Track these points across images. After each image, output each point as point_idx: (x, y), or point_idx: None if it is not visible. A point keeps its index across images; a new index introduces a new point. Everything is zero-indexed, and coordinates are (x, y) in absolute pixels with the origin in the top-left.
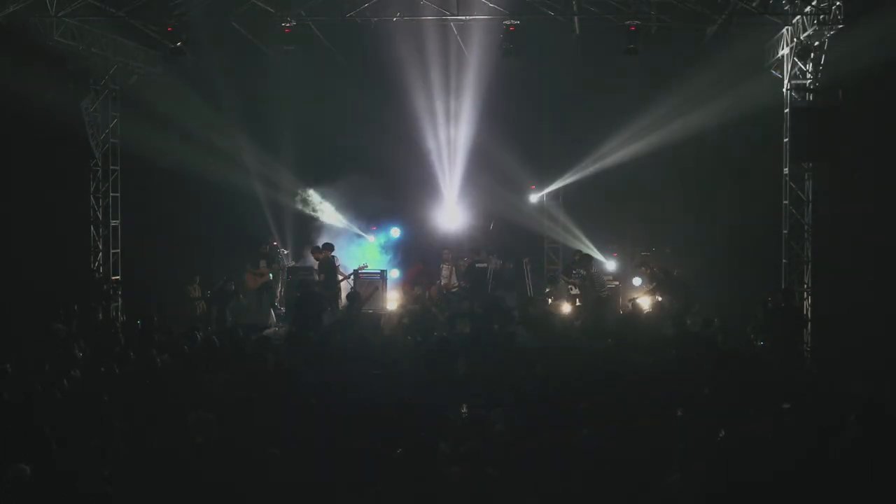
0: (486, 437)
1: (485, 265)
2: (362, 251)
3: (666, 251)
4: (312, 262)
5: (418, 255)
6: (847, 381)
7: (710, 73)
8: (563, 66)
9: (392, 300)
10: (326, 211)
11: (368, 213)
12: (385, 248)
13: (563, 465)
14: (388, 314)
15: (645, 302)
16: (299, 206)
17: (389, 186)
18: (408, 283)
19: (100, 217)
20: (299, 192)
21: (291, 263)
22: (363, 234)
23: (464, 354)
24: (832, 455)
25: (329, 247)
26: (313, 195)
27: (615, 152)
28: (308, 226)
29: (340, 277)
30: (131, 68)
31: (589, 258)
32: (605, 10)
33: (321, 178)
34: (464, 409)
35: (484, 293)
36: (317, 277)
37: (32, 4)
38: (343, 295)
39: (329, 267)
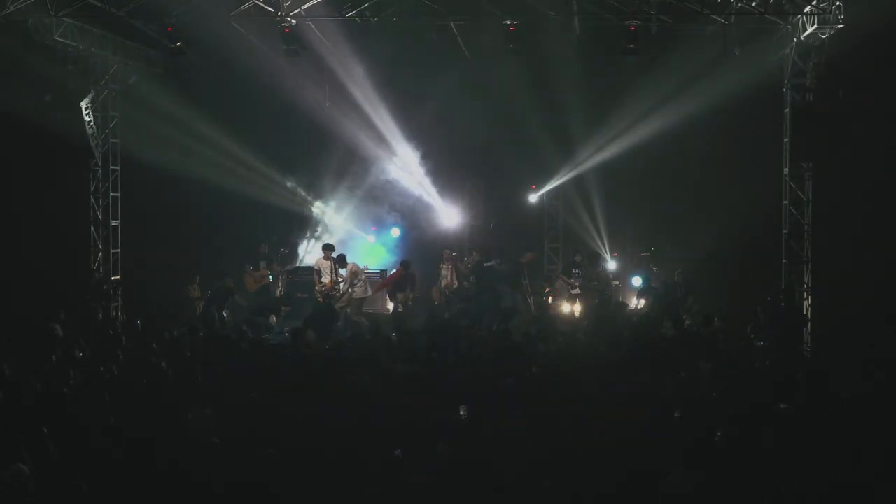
0: (485, 438)
1: (492, 264)
2: (365, 251)
3: (666, 250)
4: (314, 262)
5: (404, 258)
6: (846, 380)
7: (709, 72)
8: (563, 66)
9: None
10: (330, 213)
11: (370, 214)
12: (390, 248)
13: (562, 465)
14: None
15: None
16: (312, 207)
17: (388, 186)
18: (390, 289)
19: (100, 217)
20: (309, 201)
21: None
22: (363, 234)
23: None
24: (831, 454)
25: (329, 247)
26: (319, 205)
27: (615, 152)
28: (310, 225)
29: (340, 279)
30: (131, 68)
31: (597, 256)
32: (605, 10)
33: (322, 177)
34: (462, 412)
35: (490, 293)
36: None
37: (32, 4)
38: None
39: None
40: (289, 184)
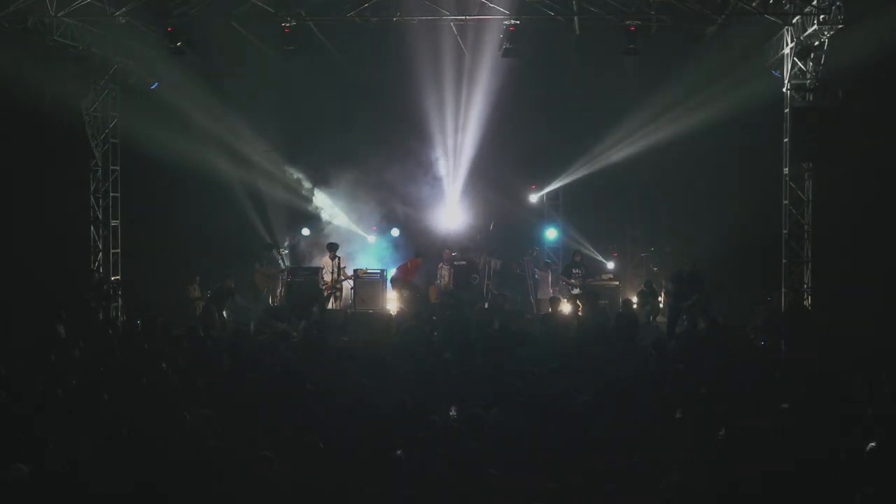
0: (485, 438)
1: (463, 263)
2: (365, 251)
3: (665, 251)
4: (319, 261)
5: (417, 250)
6: (846, 380)
7: (709, 72)
8: (563, 66)
9: (392, 300)
10: (331, 211)
11: (369, 213)
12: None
13: (562, 465)
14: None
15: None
16: (310, 208)
17: (389, 187)
18: (410, 276)
19: (100, 217)
20: (307, 192)
21: (288, 265)
22: (364, 234)
23: (461, 354)
24: (831, 454)
25: (332, 247)
26: (320, 196)
27: (615, 152)
28: (315, 227)
29: (342, 277)
30: (131, 68)
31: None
32: (605, 10)
33: (323, 178)
34: (452, 412)
35: (467, 293)
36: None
37: (32, 4)
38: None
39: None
40: (295, 175)
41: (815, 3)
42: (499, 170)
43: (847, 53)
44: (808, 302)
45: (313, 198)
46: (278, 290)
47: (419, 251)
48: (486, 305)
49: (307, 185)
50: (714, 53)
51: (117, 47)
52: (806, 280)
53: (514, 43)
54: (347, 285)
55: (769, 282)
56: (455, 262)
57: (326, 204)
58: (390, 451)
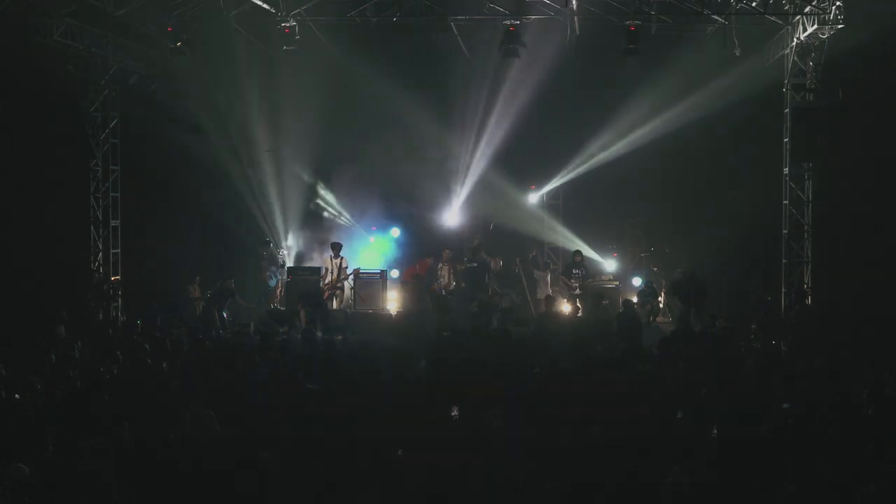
0: (485, 436)
1: (475, 265)
2: (368, 250)
3: (665, 251)
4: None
5: (425, 251)
6: (845, 379)
7: (709, 72)
8: (563, 66)
9: (392, 300)
10: (333, 209)
11: (369, 212)
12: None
13: (562, 465)
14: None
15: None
16: (314, 203)
17: (390, 186)
18: (423, 276)
19: (100, 217)
20: (314, 186)
21: (290, 264)
22: (365, 233)
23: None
24: (831, 454)
25: (336, 246)
26: (321, 194)
27: (615, 152)
28: (317, 225)
29: (343, 276)
30: (131, 68)
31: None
32: (605, 10)
33: (325, 177)
34: (452, 412)
35: (479, 293)
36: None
37: (33, 4)
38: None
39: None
40: (297, 173)
41: (815, 3)
42: (498, 169)
43: (847, 53)
44: (808, 302)
45: (315, 196)
46: (278, 291)
47: (428, 252)
48: None
49: (309, 182)
50: (714, 53)
51: (117, 47)
52: (806, 280)
53: (514, 43)
54: (348, 285)
55: (769, 282)
56: (468, 265)
57: (328, 202)
58: (390, 451)
